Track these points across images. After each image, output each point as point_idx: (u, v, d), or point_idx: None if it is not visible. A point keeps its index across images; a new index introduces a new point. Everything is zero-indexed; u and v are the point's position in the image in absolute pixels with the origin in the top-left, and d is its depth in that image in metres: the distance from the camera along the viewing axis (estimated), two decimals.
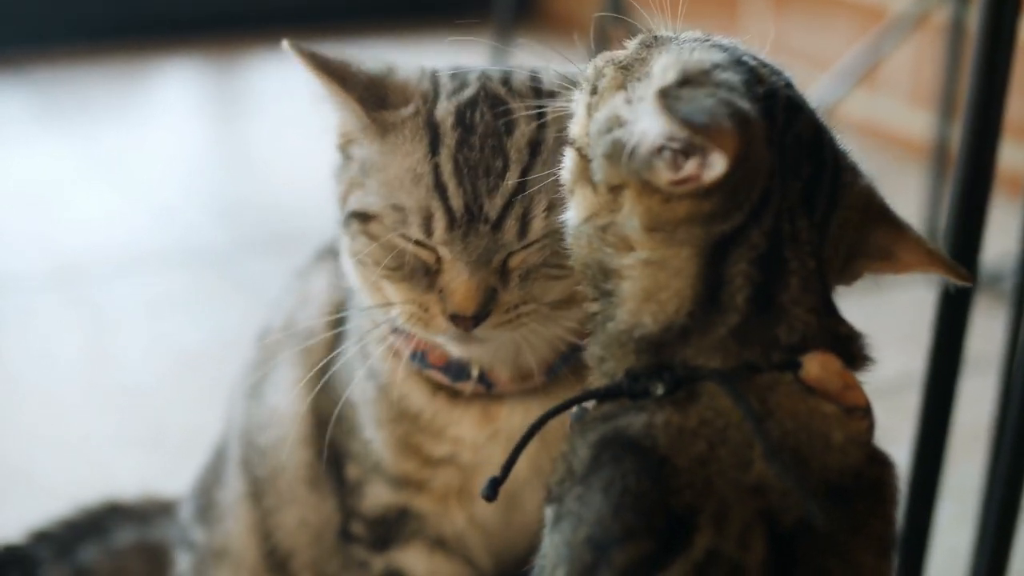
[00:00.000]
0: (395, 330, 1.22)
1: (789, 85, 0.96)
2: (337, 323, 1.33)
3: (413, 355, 1.24)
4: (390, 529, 1.32)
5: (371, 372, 1.27)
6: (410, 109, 1.15)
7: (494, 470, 1.26)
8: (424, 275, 1.13)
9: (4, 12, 4.09)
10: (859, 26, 3.49)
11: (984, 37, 1.26)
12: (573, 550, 0.88)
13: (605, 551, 0.86)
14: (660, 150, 0.88)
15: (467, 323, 1.11)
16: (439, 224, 1.11)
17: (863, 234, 0.96)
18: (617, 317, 0.94)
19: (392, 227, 1.13)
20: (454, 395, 1.25)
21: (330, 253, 1.39)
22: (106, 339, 2.53)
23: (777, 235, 0.91)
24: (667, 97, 0.87)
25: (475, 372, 1.23)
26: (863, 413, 0.92)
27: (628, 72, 0.98)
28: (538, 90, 1.16)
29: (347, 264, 1.22)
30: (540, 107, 1.13)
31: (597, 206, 0.94)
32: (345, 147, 1.20)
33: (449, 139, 1.12)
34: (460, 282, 1.10)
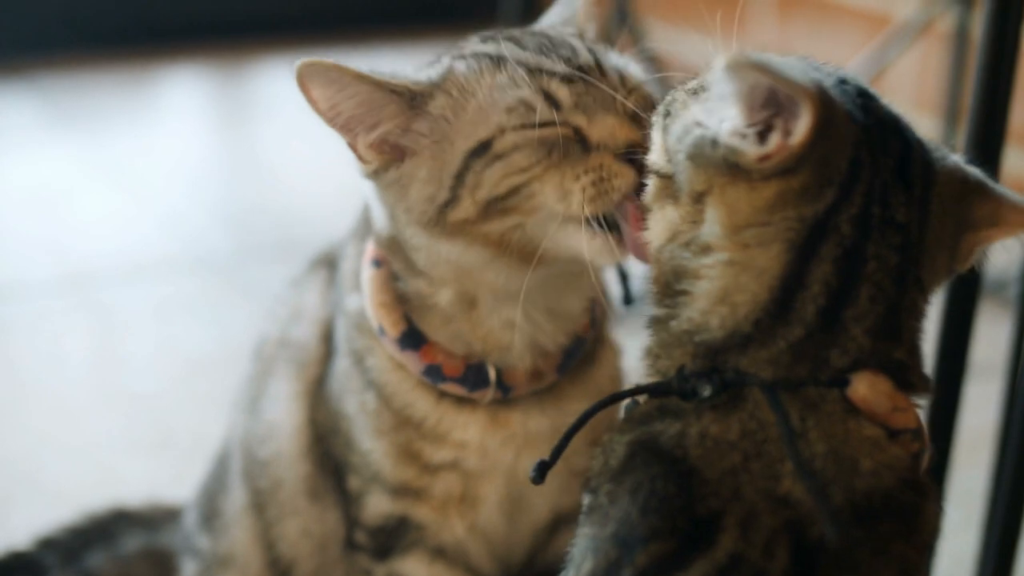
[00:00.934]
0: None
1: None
2: (329, 338, 1.34)
3: (426, 370, 1.24)
4: (390, 538, 1.32)
5: (369, 384, 1.27)
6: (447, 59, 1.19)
7: (504, 475, 1.27)
8: (574, 152, 1.13)
9: (12, 19, 4.10)
10: (864, 33, 3.49)
11: (988, 44, 1.27)
12: (600, 544, 0.91)
13: (630, 549, 0.88)
14: (743, 135, 0.90)
15: (643, 149, 1.08)
16: (561, 91, 1.13)
17: (965, 207, 0.96)
18: (682, 316, 0.94)
19: (518, 126, 1.13)
20: (460, 400, 1.26)
21: (325, 261, 1.40)
22: (114, 344, 2.54)
23: (866, 223, 0.91)
24: (742, 62, 0.88)
25: (493, 375, 1.24)
26: (912, 435, 0.92)
27: (697, 93, 0.99)
28: None
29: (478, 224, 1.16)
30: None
31: (679, 220, 0.95)
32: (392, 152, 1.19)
33: (508, 46, 1.17)
34: (610, 120, 1.13)
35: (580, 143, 1.12)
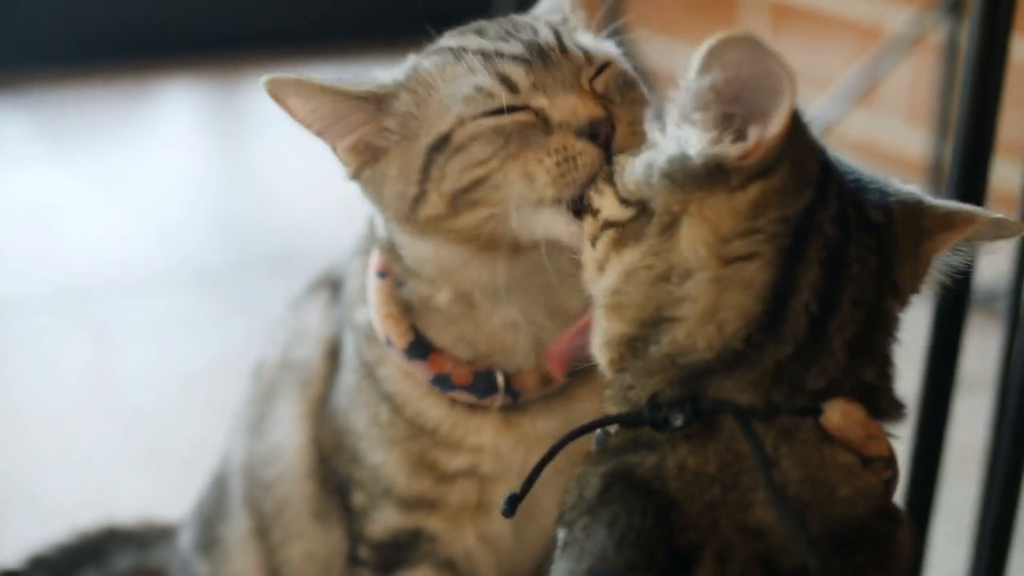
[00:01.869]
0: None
1: None
2: (333, 355, 1.34)
3: (435, 379, 1.24)
4: (399, 553, 1.32)
5: (382, 394, 1.27)
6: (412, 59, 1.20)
7: (517, 477, 1.26)
8: (535, 135, 1.11)
9: (6, 34, 4.11)
10: (856, 46, 3.50)
11: (976, 56, 1.27)
12: None
13: None
14: (717, 140, 0.89)
15: (606, 126, 1.09)
16: (517, 73, 1.12)
17: (917, 218, 0.96)
18: (663, 341, 0.93)
19: (477, 115, 1.12)
20: (472, 405, 1.25)
21: (325, 282, 1.40)
22: (109, 360, 2.54)
23: (845, 223, 0.91)
24: (735, 35, 0.87)
25: (501, 382, 1.23)
26: (885, 463, 0.92)
27: (662, 119, 0.99)
28: None
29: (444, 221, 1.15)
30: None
31: (644, 256, 0.94)
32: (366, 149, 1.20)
33: (470, 37, 1.17)
34: (571, 100, 1.11)
35: (543, 125, 1.11)
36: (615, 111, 1.11)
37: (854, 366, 0.92)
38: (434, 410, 1.26)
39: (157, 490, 2.04)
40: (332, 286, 1.38)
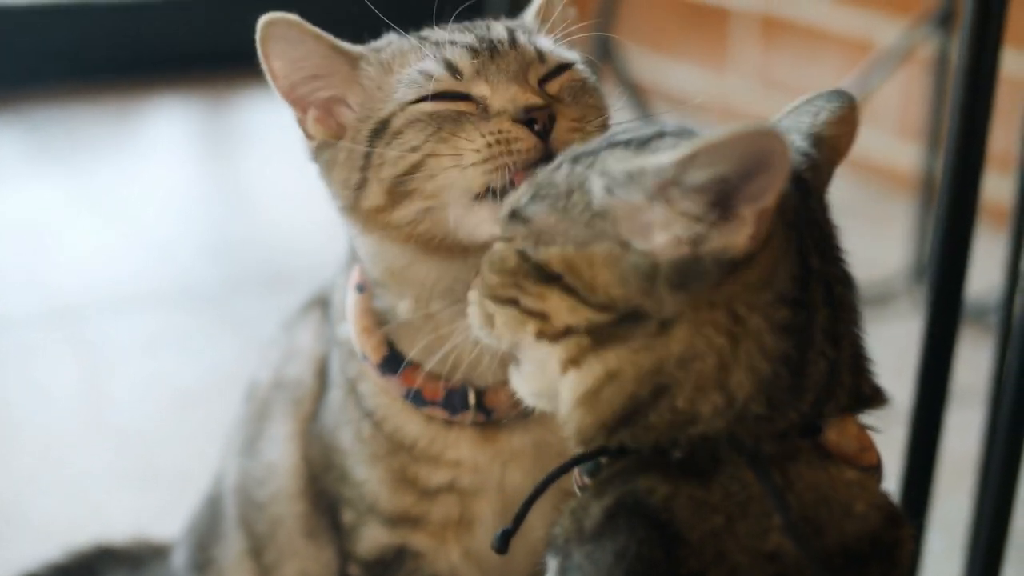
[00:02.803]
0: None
1: None
2: (324, 372, 1.34)
3: (407, 394, 1.24)
4: (386, 570, 1.31)
5: (364, 410, 1.27)
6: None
7: (496, 491, 1.26)
8: (472, 121, 1.10)
9: None
10: (847, 60, 3.51)
11: (966, 69, 1.27)
12: None
13: None
14: (712, 224, 0.84)
15: (543, 115, 1.08)
16: (463, 60, 1.13)
17: (822, 150, 0.96)
18: (663, 407, 0.88)
19: (416, 100, 1.12)
20: (448, 420, 1.25)
21: (318, 302, 1.40)
22: (100, 378, 2.53)
23: (821, 247, 0.90)
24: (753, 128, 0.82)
25: (472, 399, 1.23)
26: (874, 471, 0.92)
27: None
28: None
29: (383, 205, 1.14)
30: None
31: (634, 355, 0.88)
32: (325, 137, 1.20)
33: (436, 31, 1.18)
34: (512, 89, 1.11)
35: (481, 114, 1.11)
36: (560, 108, 1.11)
37: (853, 382, 0.92)
38: (411, 425, 1.25)
39: (149, 508, 2.03)
40: (324, 305, 1.38)
